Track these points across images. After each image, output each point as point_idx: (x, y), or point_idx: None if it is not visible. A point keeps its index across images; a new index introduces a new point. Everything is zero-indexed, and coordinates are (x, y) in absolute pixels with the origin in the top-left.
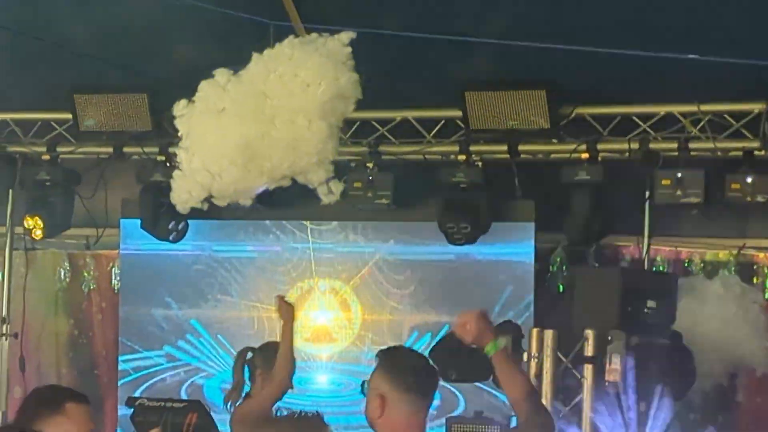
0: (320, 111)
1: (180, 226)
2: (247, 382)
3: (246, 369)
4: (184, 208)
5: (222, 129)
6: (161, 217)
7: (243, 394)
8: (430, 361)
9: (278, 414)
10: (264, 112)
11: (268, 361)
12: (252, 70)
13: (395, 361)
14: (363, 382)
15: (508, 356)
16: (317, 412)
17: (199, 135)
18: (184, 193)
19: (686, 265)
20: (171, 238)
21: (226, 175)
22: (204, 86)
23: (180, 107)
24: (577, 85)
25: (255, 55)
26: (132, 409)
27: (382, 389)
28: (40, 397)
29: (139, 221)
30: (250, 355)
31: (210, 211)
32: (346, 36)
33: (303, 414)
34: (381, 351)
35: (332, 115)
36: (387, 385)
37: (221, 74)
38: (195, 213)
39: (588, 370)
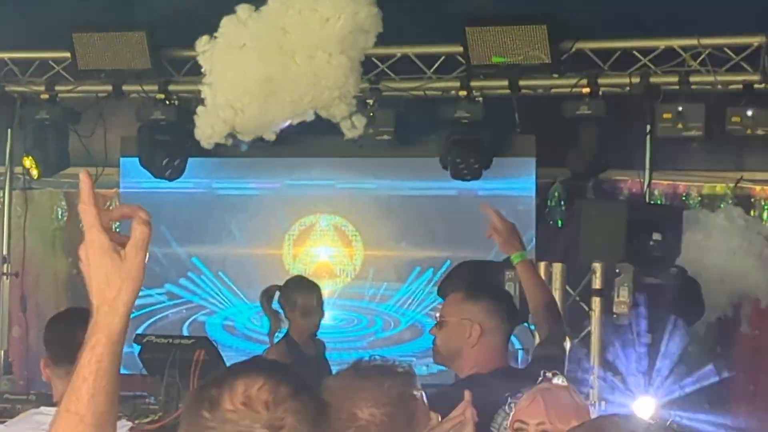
0: (340, 45)
1: (176, 163)
2: (284, 319)
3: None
4: (208, 143)
5: (243, 65)
6: (159, 154)
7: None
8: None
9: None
10: (284, 48)
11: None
12: (271, 6)
13: (490, 296)
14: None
15: (533, 267)
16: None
17: (221, 71)
18: (207, 129)
19: (684, 198)
20: (167, 174)
21: (248, 110)
22: (225, 22)
23: (202, 43)
24: (578, 19)
25: None
26: (140, 347)
27: (478, 319)
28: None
29: (137, 159)
30: (277, 294)
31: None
32: None
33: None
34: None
35: (352, 49)
36: (483, 314)
37: (242, 10)
38: (195, 150)
39: (596, 302)
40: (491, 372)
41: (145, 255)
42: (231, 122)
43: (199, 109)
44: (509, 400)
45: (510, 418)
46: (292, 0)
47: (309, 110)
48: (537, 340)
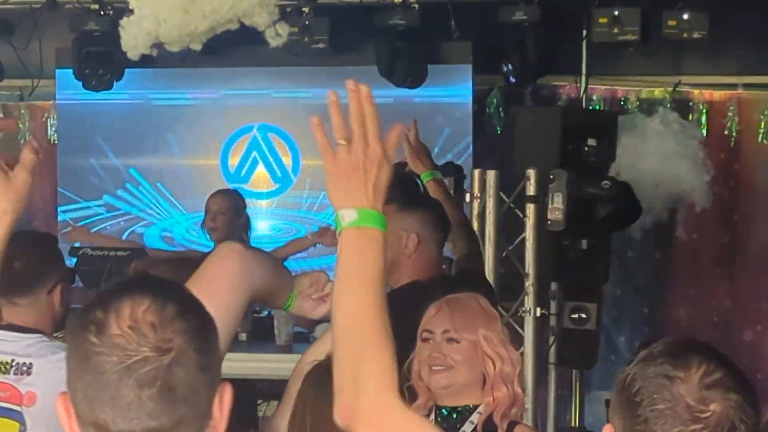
0: None
1: (107, 76)
2: None
3: None
4: (134, 54)
5: None
6: (91, 65)
7: None
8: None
9: None
10: None
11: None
12: None
13: (424, 206)
14: None
15: (444, 186)
16: None
17: None
18: (131, 40)
19: (622, 103)
20: (95, 86)
21: (170, 20)
22: None
23: None
24: None
25: None
26: (75, 259)
27: (414, 228)
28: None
29: (72, 71)
30: None
31: (145, 60)
32: None
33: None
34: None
35: None
36: (419, 224)
37: None
38: (130, 62)
39: (530, 209)
40: (429, 279)
41: (31, 178)
42: (154, 33)
43: (123, 21)
44: None
45: (419, 329)
46: None
47: (231, 19)
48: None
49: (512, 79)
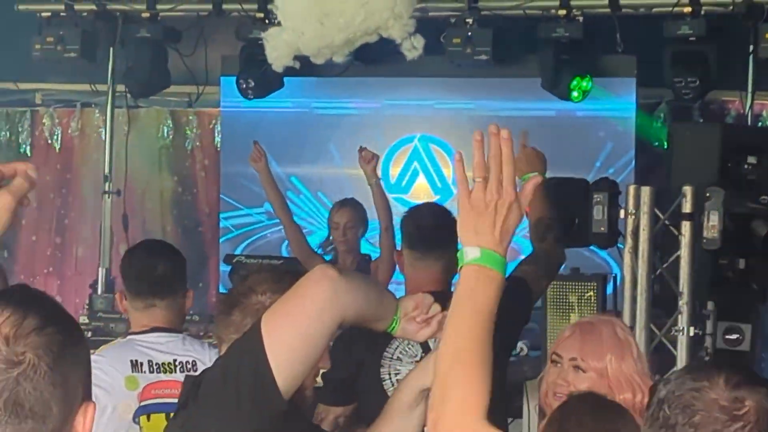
0: None
1: (262, 85)
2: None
3: None
4: (278, 66)
5: None
6: (250, 74)
7: None
8: (448, 217)
9: None
10: None
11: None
12: None
13: (408, 218)
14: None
15: (539, 188)
16: None
17: None
18: (273, 51)
19: None
20: (248, 94)
21: (307, 31)
22: None
23: None
24: None
25: None
26: (230, 267)
27: (401, 246)
28: None
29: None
30: None
31: (306, 69)
32: None
33: None
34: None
35: None
36: (402, 243)
37: None
38: (292, 71)
39: (686, 227)
40: None
41: (16, 204)
42: (294, 44)
43: (264, 33)
44: None
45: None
46: None
47: (367, 31)
48: None
49: (686, 94)
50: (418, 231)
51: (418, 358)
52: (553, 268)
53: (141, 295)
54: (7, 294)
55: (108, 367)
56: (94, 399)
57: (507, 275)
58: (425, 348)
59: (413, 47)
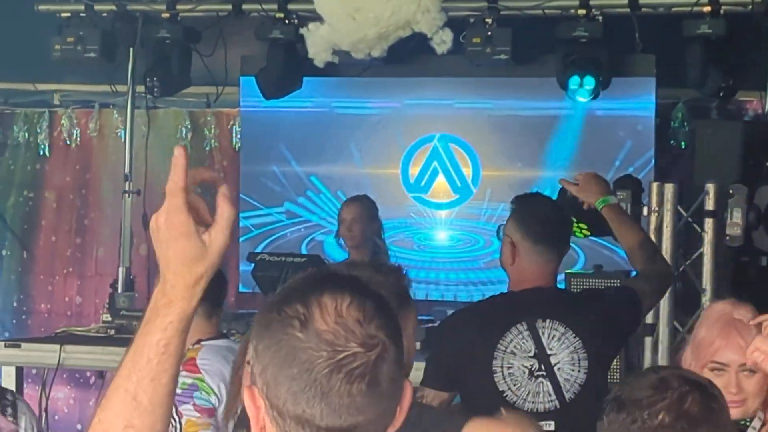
0: None
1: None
2: None
3: None
4: (319, 61)
5: None
6: (270, 73)
7: None
8: (563, 212)
9: None
10: None
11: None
12: None
13: (528, 210)
14: (498, 227)
15: (620, 210)
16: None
17: None
18: (313, 47)
19: None
20: (269, 93)
21: (341, 27)
22: None
23: None
24: None
25: None
26: (253, 264)
27: (513, 237)
28: None
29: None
30: None
31: (328, 69)
32: None
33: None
34: (516, 197)
35: None
36: (518, 233)
37: None
38: (311, 70)
39: (708, 224)
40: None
41: (229, 238)
42: (331, 40)
43: (303, 30)
44: None
45: (688, 354)
46: None
47: (399, 25)
48: None
49: (706, 93)
50: (544, 225)
51: (531, 354)
52: (665, 285)
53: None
54: (337, 279)
55: None
56: None
57: (620, 285)
58: (538, 344)
59: (442, 41)
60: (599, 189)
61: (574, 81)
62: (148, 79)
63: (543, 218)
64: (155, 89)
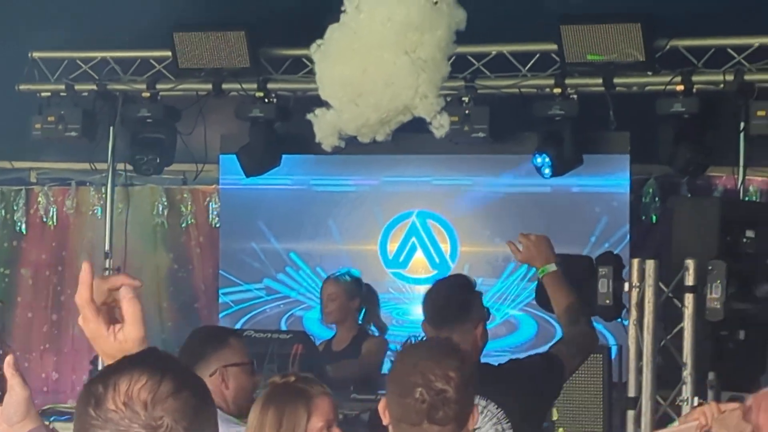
0: (398, 45)
1: (262, 162)
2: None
3: None
4: (327, 146)
5: (325, 68)
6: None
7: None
8: (462, 291)
9: None
10: (355, 50)
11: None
12: (347, 9)
13: (427, 297)
14: None
15: (559, 277)
16: None
17: (320, 76)
18: (319, 132)
19: None
20: (249, 171)
21: (345, 111)
22: (330, 28)
23: (312, 50)
24: (673, 17)
25: None
26: None
27: (424, 324)
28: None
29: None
30: None
31: (305, 147)
32: None
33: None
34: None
35: (415, 49)
36: (425, 320)
37: (344, 14)
38: (290, 148)
39: (689, 299)
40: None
41: (143, 329)
42: (335, 124)
43: (310, 115)
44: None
45: None
46: (363, 2)
47: (399, 110)
48: None
49: (684, 170)
50: (432, 306)
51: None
52: (588, 348)
53: None
54: (140, 358)
55: None
56: None
57: (542, 352)
58: None
59: (441, 125)
60: (542, 256)
61: (536, 159)
62: (138, 157)
63: (432, 298)
64: (144, 167)
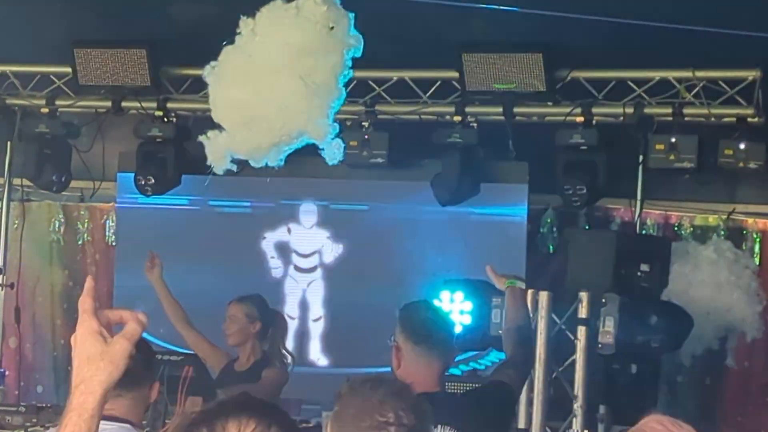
0: (293, 69)
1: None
2: None
3: None
4: (218, 169)
5: (217, 90)
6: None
7: None
8: (445, 315)
9: None
10: (249, 73)
11: None
12: (243, 32)
13: (409, 313)
14: (392, 336)
15: (519, 295)
16: None
17: (213, 98)
18: (210, 155)
19: (676, 229)
20: (146, 191)
21: (237, 134)
22: (224, 51)
23: (205, 72)
24: (574, 48)
25: (242, 19)
26: None
27: (398, 340)
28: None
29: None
30: None
31: (204, 167)
32: None
33: None
34: (404, 305)
35: (310, 74)
36: (401, 335)
37: (239, 37)
38: (187, 169)
39: (581, 331)
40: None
41: (132, 348)
42: (227, 146)
43: (202, 137)
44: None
45: None
46: (259, 26)
47: (292, 135)
48: None
49: (575, 202)
50: (425, 327)
51: None
52: (528, 374)
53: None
54: (245, 403)
55: None
56: None
57: (492, 380)
58: None
59: (333, 151)
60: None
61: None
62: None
63: (422, 319)
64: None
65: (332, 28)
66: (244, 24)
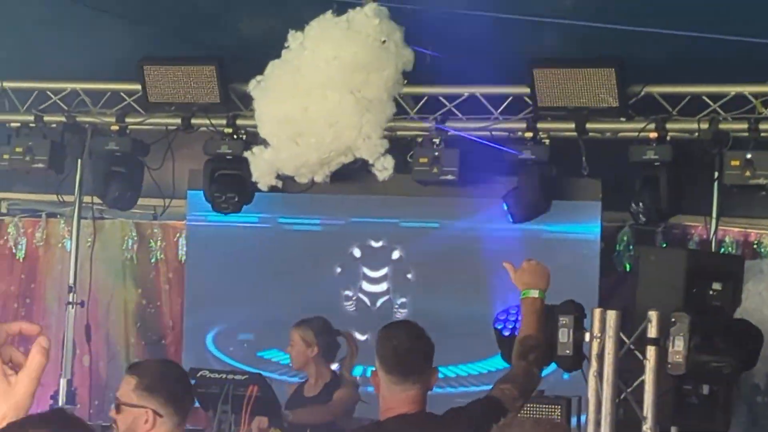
0: (344, 85)
1: (236, 199)
2: None
3: None
4: (263, 185)
5: (264, 106)
6: (220, 188)
7: None
8: (421, 340)
9: None
10: (298, 88)
11: None
12: (291, 46)
13: (383, 339)
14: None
15: (534, 305)
16: None
17: (259, 113)
18: (256, 171)
19: (755, 246)
20: (222, 208)
21: (284, 150)
22: (270, 65)
23: (251, 86)
24: (647, 63)
25: (290, 33)
26: (194, 381)
27: (376, 365)
28: None
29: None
30: None
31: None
32: (371, 9)
33: None
34: (382, 327)
35: (362, 89)
36: (377, 362)
37: (286, 51)
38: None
39: (650, 351)
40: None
41: (37, 384)
42: (273, 163)
43: (247, 153)
44: None
45: None
46: (308, 39)
47: (340, 151)
48: None
49: (642, 219)
50: (395, 356)
51: None
52: (529, 389)
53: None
54: (45, 418)
55: None
56: None
57: (483, 397)
58: None
59: (384, 168)
60: (533, 281)
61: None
62: (108, 192)
63: (393, 347)
64: (113, 201)
65: (384, 41)
66: (293, 38)
